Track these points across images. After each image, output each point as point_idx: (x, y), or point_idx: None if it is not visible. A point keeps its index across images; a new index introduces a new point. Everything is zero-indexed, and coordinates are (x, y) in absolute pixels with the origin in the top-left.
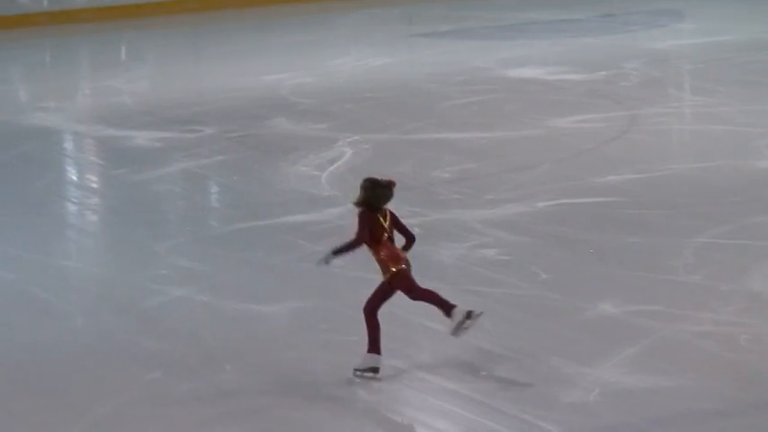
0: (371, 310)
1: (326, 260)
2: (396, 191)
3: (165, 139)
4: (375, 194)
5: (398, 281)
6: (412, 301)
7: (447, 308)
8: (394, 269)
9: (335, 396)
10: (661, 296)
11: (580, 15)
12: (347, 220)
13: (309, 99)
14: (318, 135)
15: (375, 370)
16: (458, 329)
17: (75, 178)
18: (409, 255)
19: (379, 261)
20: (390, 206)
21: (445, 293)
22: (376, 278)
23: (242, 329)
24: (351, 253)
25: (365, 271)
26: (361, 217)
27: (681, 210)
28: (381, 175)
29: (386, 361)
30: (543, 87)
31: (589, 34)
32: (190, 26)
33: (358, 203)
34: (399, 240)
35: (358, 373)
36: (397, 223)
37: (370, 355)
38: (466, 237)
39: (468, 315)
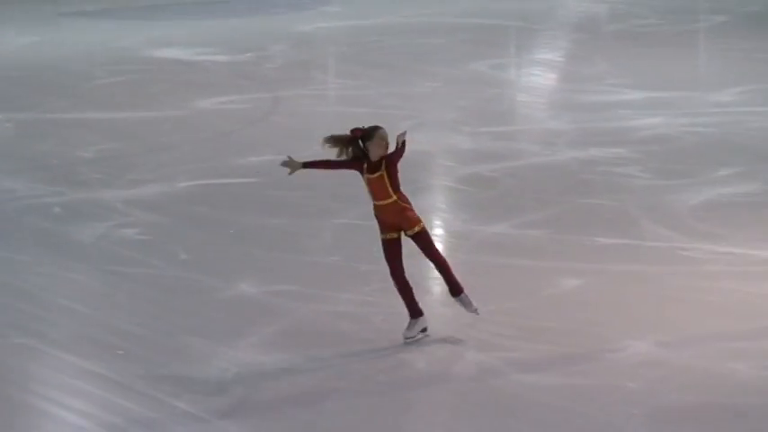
0: (398, 275)
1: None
2: (36, 170)
3: None
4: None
5: (424, 237)
6: (45, 279)
7: (455, 288)
8: (422, 224)
9: None
10: (299, 276)
11: None
12: None
13: None
14: None
15: (424, 330)
16: (470, 308)
17: None
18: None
19: (404, 210)
20: (30, 184)
21: (85, 273)
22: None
23: None
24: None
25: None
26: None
27: (321, 191)
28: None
29: (18, 339)
30: (188, 68)
31: (235, 15)
32: None
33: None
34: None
35: (409, 339)
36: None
37: (413, 320)
38: (107, 216)
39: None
